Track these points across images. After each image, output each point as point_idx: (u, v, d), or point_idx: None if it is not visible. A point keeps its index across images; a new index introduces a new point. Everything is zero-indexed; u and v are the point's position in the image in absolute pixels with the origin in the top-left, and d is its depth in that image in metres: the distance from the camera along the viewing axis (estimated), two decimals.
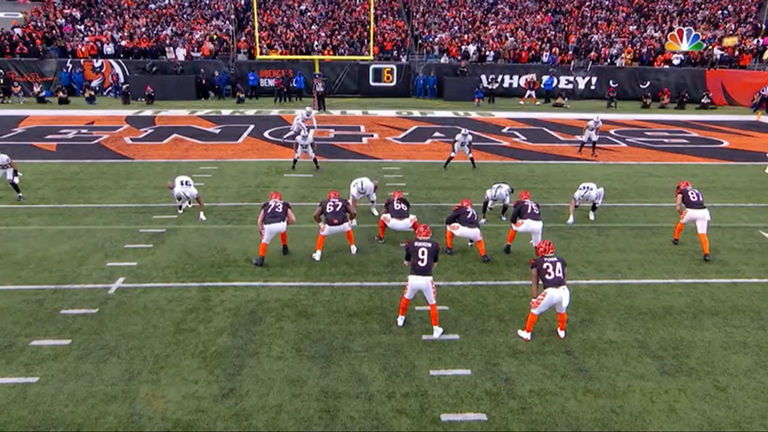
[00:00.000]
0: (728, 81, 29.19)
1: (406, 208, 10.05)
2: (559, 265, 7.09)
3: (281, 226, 9.16)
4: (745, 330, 7.60)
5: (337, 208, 9.43)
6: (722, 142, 20.24)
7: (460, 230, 9.58)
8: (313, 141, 15.03)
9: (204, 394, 6.05)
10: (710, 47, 30.31)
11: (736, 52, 29.63)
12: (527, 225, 9.44)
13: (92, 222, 11.03)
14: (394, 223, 9.93)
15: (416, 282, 7.15)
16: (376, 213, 11.63)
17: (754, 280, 9.08)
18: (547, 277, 7.02)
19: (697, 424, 5.81)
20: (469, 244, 10.13)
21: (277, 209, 9.17)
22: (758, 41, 29.98)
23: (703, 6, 34.57)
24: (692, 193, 9.96)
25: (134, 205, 12.12)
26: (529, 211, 9.46)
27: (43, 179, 13.90)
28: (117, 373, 6.40)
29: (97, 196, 12.65)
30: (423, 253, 7.17)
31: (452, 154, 15.44)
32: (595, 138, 17.57)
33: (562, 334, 7.38)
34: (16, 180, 12.36)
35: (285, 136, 18.10)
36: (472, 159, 15.57)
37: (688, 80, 29.49)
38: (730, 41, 30.05)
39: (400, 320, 7.53)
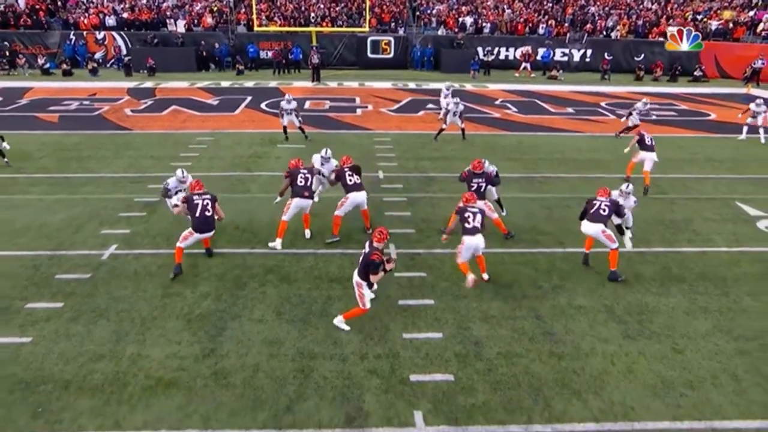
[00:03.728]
0: (722, 54, 28.63)
1: (359, 180, 8.92)
2: (479, 216, 7.62)
3: (210, 234, 8.07)
4: (709, 296, 7.71)
5: (308, 182, 8.66)
6: (710, 115, 20.03)
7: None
8: (297, 107, 14.97)
9: (186, 354, 6.23)
10: (705, 20, 29.65)
11: (731, 25, 29.01)
12: (584, 230, 8.19)
13: (89, 191, 11.11)
14: (354, 197, 8.82)
15: (355, 277, 6.63)
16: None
17: (724, 249, 9.15)
18: (466, 225, 7.53)
19: (651, 384, 5.96)
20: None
21: (207, 212, 7.77)
22: (754, 13, 29.32)
23: None
24: (648, 139, 11.78)
25: (130, 174, 12.18)
26: (592, 210, 8.04)
27: (44, 150, 13.93)
28: (106, 334, 6.57)
29: (95, 166, 12.71)
30: (361, 258, 6.54)
31: (443, 126, 15.35)
32: (630, 122, 16.11)
33: (485, 276, 7.95)
34: (6, 146, 12.49)
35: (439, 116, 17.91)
36: (463, 129, 15.49)
37: (683, 53, 28.90)
38: (728, 14, 29.38)
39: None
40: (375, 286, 6.90)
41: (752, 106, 16.43)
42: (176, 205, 8.40)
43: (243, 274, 7.99)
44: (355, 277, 6.57)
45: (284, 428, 5.24)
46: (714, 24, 29.22)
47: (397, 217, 10.11)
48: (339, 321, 6.80)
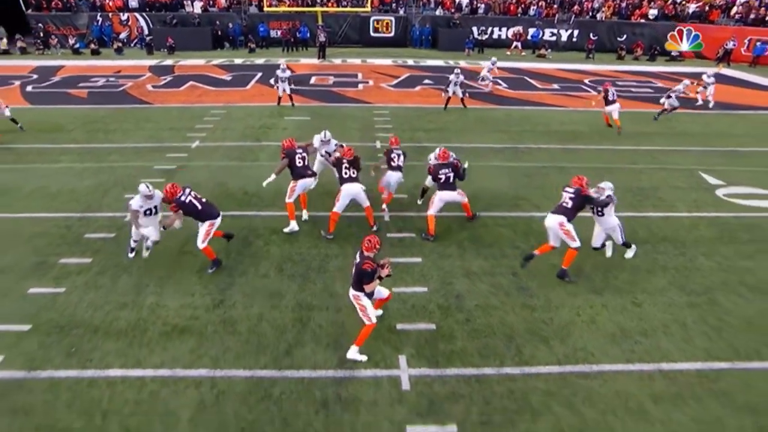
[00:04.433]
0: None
1: (355, 174, 7.92)
2: (402, 157, 8.47)
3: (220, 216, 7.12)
4: (668, 256, 7.74)
5: (306, 161, 8.00)
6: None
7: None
8: (290, 76, 14.89)
9: (198, 305, 6.35)
10: (684, 3, 28.71)
11: (707, 8, 28.10)
12: (546, 222, 7.03)
13: (114, 160, 11.10)
14: (348, 189, 7.83)
15: (350, 291, 5.66)
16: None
17: (684, 214, 9.12)
18: (392, 163, 8.38)
19: (610, 332, 6.07)
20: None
21: (203, 199, 6.91)
22: None
23: None
24: (611, 94, 13.51)
25: (151, 144, 12.11)
26: (560, 202, 6.97)
27: (75, 123, 13.82)
28: (128, 286, 6.70)
29: (119, 138, 12.64)
30: (354, 268, 5.52)
31: (449, 95, 15.42)
32: (668, 105, 15.19)
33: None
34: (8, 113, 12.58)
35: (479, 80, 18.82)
36: (462, 99, 15.43)
37: (661, 34, 28.10)
38: None
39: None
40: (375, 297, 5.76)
41: (704, 77, 16.60)
42: (163, 227, 6.98)
43: (249, 235, 8.05)
44: (351, 291, 5.55)
45: (283, 369, 5.39)
46: (692, 7, 28.31)
47: None
48: (353, 353, 5.57)
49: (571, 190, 6.87)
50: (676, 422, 4.89)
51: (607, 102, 13.59)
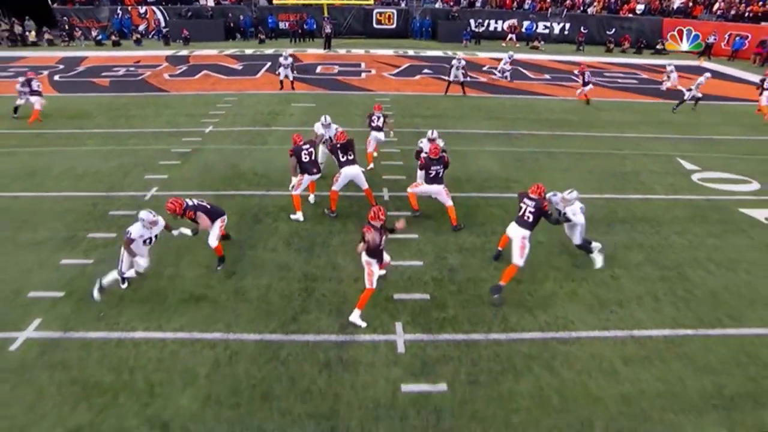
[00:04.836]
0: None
1: (352, 156, 7.79)
2: (381, 119, 9.56)
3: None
4: (645, 235, 7.80)
5: (312, 156, 7.77)
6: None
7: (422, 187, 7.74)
8: (292, 63, 14.92)
9: (212, 275, 6.47)
10: None
11: (690, 4, 27.58)
12: (508, 230, 6.54)
13: (135, 143, 11.14)
14: (347, 171, 7.76)
15: (363, 256, 5.72)
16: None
17: (662, 197, 9.15)
18: (372, 124, 9.62)
19: (589, 303, 6.17)
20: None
21: (208, 203, 6.62)
22: None
23: None
24: (587, 76, 15.24)
25: (168, 129, 12.11)
26: (520, 213, 6.37)
27: (99, 110, 13.79)
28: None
29: (139, 123, 12.64)
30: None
31: (450, 79, 15.47)
32: (687, 96, 14.80)
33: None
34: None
35: (498, 72, 18.86)
36: (463, 84, 15.35)
37: (647, 28, 27.65)
38: None
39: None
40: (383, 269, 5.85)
41: (667, 68, 17.11)
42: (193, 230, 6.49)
43: (259, 212, 8.12)
44: (364, 256, 5.62)
45: (290, 333, 5.53)
46: (677, 2, 27.81)
47: (391, 165, 10.14)
48: (355, 316, 5.69)
49: (532, 203, 6.22)
50: (643, 381, 5.03)
51: (584, 83, 15.25)
